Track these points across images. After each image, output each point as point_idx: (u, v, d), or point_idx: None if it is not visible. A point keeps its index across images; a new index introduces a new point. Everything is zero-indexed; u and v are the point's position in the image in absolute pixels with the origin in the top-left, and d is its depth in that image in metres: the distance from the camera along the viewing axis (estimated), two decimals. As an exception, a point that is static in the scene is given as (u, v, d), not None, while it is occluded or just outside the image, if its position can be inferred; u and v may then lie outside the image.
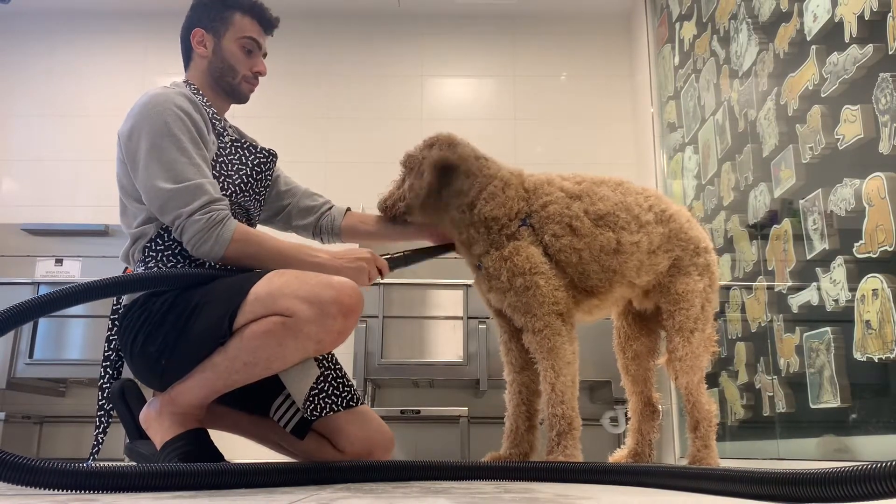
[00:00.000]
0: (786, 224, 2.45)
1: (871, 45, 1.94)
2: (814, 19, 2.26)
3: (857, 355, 1.99)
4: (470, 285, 3.27)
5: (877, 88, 1.91)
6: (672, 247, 1.71)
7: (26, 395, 3.62)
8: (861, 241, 1.97)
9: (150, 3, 4.40)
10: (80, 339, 3.38)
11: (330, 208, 1.95)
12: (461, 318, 3.42)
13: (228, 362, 1.47)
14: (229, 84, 1.79)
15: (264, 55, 1.85)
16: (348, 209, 1.95)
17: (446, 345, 3.39)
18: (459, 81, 4.54)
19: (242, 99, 1.84)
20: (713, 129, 3.17)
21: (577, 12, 4.53)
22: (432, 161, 1.65)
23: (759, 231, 2.67)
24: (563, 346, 1.58)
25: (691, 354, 1.67)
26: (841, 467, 0.75)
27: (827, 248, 2.16)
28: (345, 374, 1.76)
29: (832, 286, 2.13)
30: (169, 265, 1.61)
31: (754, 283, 2.70)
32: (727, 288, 2.94)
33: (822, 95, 2.19)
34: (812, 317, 2.27)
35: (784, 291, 2.44)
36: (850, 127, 2.03)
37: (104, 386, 1.68)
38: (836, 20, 2.11)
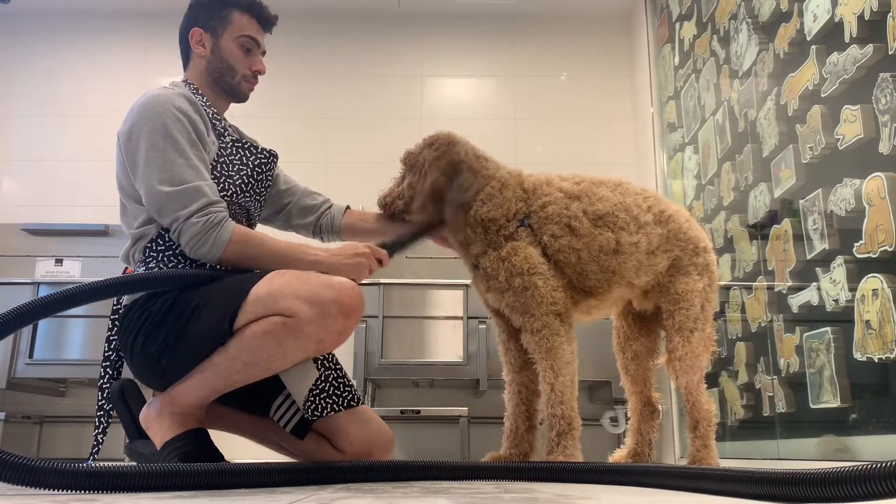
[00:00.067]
0: (786, 224, 2.45)
1: (871, 45, 1.94)
2: (814, 19, 2.26)
3: (857, 355, 1.99)
4: (470, 285, 3.27)
5: (877, 88, 1.91)
6: (671, 247, 1.71)
7: (26, 395, 3.62)
8: (861, 241, 1.97)
9: (150, 3, 4.40)
10: (80, 339, 3.38)
11: (329, 207, 1.95)
12: (461, 318, 3.42)
13: (229, 362, 1.47)
14: (228, 84, 1.79)
15: (263, 53, 1.85)
16: (348, 207, 1.95)
17: (446, 345, 3.39)
18: (459, 81, 4.54)
19: (242, 98, 1.84)
20: (713, 129, 3.17)
21: (577, 12, 4.53)
22: (437, 164, 1.65)
23: (759, 231, 2.67)
24: (561, 346, 1.58)
25: (691, 354, 1.67)
26: (841, 467, 0.75)
27: (827, 248, 2.16)
28: (345, 374, 1.76)
29: (832, 286, 2.13)
30: (170, 266, 1.61)
31: (754, 283, 2.70)
32: (727, 288, 2.94)
33: (822, 95, 2.19)
34: (812, 317, 2.27)
35: (784, 291, 2.44)
36: (850, 127, 2.03)
37: (104, 386, 1.68)
38: (836, 20, 2.11)
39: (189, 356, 1.50)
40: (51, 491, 0.96)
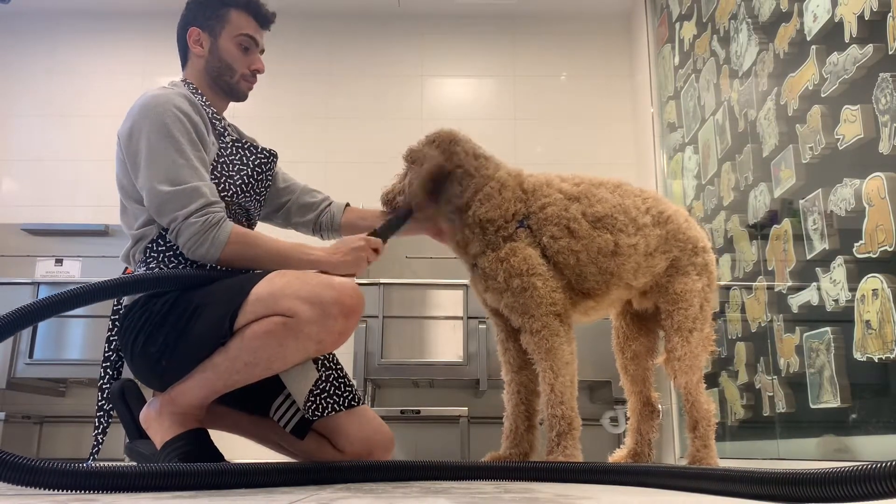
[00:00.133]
0: (786, 224, 2.45)
1: (871, 45, 1.94)
2: (814, 19, 2.26)
3: (857, 355, 1.99)
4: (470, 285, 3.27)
5: (877, 88, 1.91)
6: (670, 248, 1.71)
7: (26, 395, 3.62)
8: (861, 241, 1.97)
9: (150, 3, 4.40)
10: (80, 339, 3.38)
11: (329, 205, 1.95)
12: (461, 318, 3.42)
13: (229, 362, 1.47)
14: (227, 83, 1.79)
15: (261, 52, 1.84)
16: (347, 205, 1.95)
17: (446, 345, 3.39)
18: (459, 81, 4.54)
19: (241, 97, 1.84)
20: (713, 129, 3.17)
21: (577, 12, 4.53)
22: (425, 171, 1.64)
23: (759, 231, 2.67)
24: (561, 346, 1.58)
25: (690, 354, 1.67)
26: (841, 467, 0.75)
27: (827, 248, 2.16)
28: (345, 374, 1.76)
29: (832, 286, 2.13)
30: (170, 266, 1.61)
31: (754, 283, 2.70)
32: (727, 288, 2.94)
33: (822, 95, 2.19)
34: (812, 317, 2.27)
35: (784, 291, 2.44)
36: (850, 127, 2.03)
37: (104, 386, 1.68)
38: (836, 20, 2.11)
39: (189, 356, 1.50)
40: (51, 491, 0.96)
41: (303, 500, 0.94)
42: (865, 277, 1.95)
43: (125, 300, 1.63)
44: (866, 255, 1.95)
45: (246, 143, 1.79)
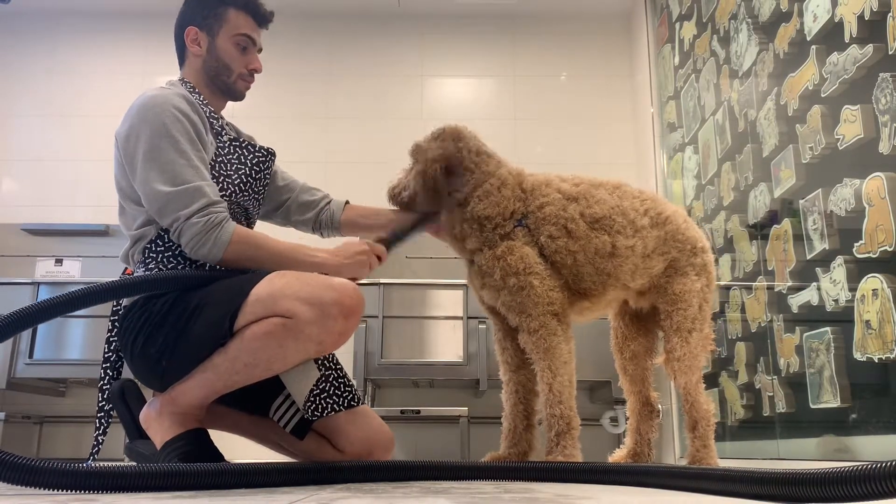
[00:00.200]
0: (786, 224, 2.45)
1: (871, 45, 1.94)
2: (814, 19, 2.26)
3: (857, 355, 1.99)
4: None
5: (877, 88, 1.91)
6: (668, 248, 1.71)
7: (26, 395, 3.62)
8: (861, 241, 1.97)
9: (150, 3, 4.40)
10: (80, 339, 3.39)
11: (329, 202, 1.94)
12: (461, 318, 3.42)
13: (229, 363, 1.47)
14: (225, 83, 1.78)
15: (259, 51, 1.83)
16: (347, 202, 1.95)
17: (446, 345, 3.39)
18: (459, 81, 4.54)
19: (238, 97, 1.83)
20: (713, 129, 3.17)
21: (577, 12, 4.53)
22: (433, 157, 1.65)
23: (759, 231, 2.67)
24: (559, 345, 1.58)
25: (689, 354, 1.67)
26: (841, 467, 0.75)
27: (827, 248, 2.16)
28: (345, 374, 1.76)
29: (832, 286, 2.13)
30: (169, 266, 1.61)
31: (754, 283, 2.70)
32: (727, 288, 2.94)
33: (822, 95, 2.19)
34: (812, 317, 2.27)
35: (784, 291, 2.44)
36: (850, 127, 2.03)
37: (104, 387, 1.68)
38: (836, 20, 2.11)
39: (189, 357, 1.50)
40: (51, 491, 0.96)
41: (303, 500, 0.94)
42: (865, 277, 1.95)
43: (124, 301, 1.63)
44: (866, 255, 1.95)
45: (244, 141, 1.78)
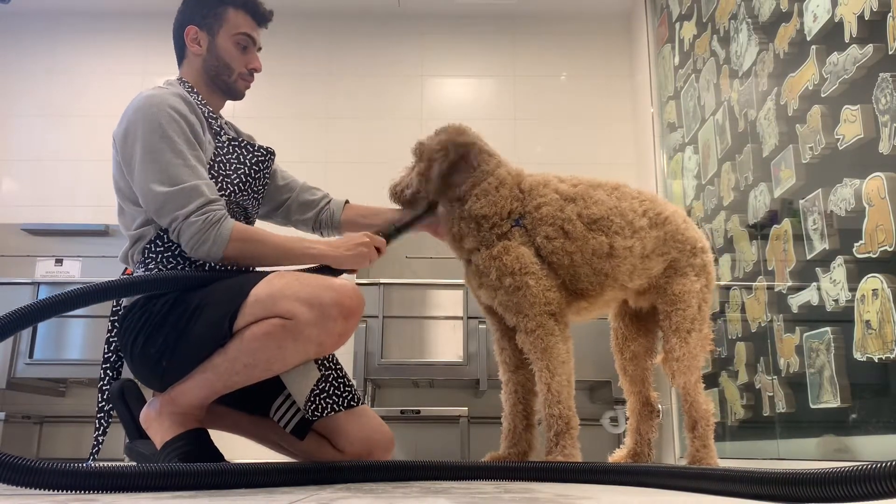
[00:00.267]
0: (786, 224, 2.45)
1: (871, 45, 1.94)
2: (814, 19, 2.26)
3: (857, 355, 1.99)
4: (470, 285, 3.27)
5: (877, 88, 1.91)
6: (667, 249, 1.71)
7: (26, 395, 3.62)
8: (861, 241, 1.97)
9: (150, 3, 4.40)
10: (80, 339, 3.39)
11: (329, 202, 1.95)
12: (461, 318, 3.42)
13: (228, 364, 1.47)
14: (225, 82, 1.78)
15: (259, 50, 1.84)
16: (347, 202, 1.95)
17: (446, 345, 3.39)
18: (459, 81, 4.54)
19: (238, 96, 1.83)
20: (713, 129, 3.17)
21: (577, 12, 4.53)
22: (445, 144, 1.65)
23: (759, 231, 2.67)
24: (556, 345, 1.58)
25: (689, 355, 1.67)
26: (841, 467, 0.75)
27: (827, 248, 2.16)
28: (345, 374, 1.76)
29: (832, 286, 2.13)
30: (169, 266, 1.61)
31: (754, 283, 2.70)
32: (727, 288, 2.94)
33: (822, 95, 2.19)
34: (812, 317, 2.27)
35: (784, 291, 2.44)
36: (850, 127, 2.03)
37: (104, 388, 1.68)
38: (836, 20, 2.11)
39: (189, 357, 1.50)
40: (51, 491, 0.96)
41: (303, 500, 0.94)
42: (865, 277, 1.95)
43: (124, 301, 1.63)
44: (866, 255, 1.95)
45: (243, 141, 1.78)
